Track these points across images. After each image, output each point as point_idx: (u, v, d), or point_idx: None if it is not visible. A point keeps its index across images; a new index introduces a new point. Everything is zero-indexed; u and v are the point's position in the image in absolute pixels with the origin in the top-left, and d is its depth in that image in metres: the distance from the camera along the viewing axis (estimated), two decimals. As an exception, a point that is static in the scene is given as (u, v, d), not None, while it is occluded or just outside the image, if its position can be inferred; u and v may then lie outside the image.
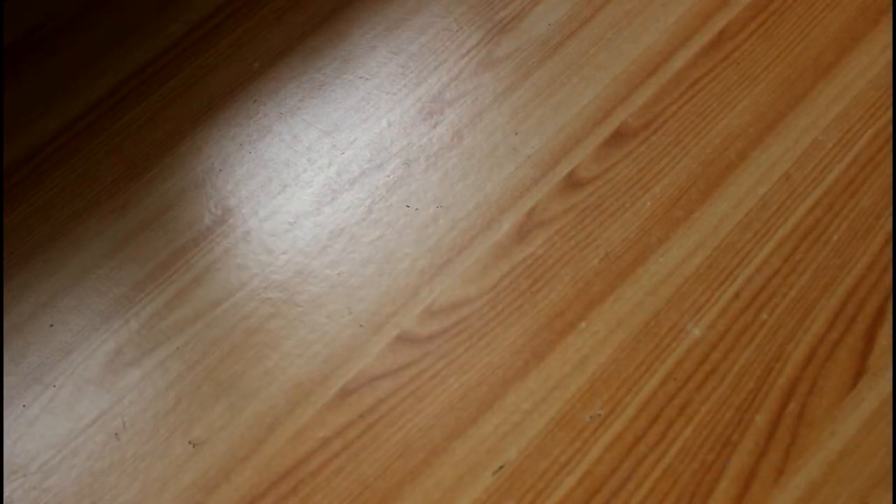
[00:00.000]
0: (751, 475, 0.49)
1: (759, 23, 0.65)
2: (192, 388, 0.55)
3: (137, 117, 0.66)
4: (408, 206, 0.60)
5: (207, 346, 0.56)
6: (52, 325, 0.58)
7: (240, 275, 0.59)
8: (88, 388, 0.55)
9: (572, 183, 0.59)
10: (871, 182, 0.58)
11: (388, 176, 0.61)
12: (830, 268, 0.55)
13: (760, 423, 0.51)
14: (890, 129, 0.60)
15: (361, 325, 0.56)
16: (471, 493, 0.51)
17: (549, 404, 0.52)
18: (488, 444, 0.52)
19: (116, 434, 0.54)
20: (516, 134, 0.61)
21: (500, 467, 0.51)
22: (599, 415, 0.52)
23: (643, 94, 0.63)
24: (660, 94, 0.62)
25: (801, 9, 0.65)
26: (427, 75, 0.66)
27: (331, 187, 0.61)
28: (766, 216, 0.58)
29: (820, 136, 0.60)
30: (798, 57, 0.63)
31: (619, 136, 0.62)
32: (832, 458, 0.49)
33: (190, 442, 0.53)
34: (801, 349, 0.53)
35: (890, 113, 0.60)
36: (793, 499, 0.48)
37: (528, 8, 0.68)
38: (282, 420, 0.53)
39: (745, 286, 0.55)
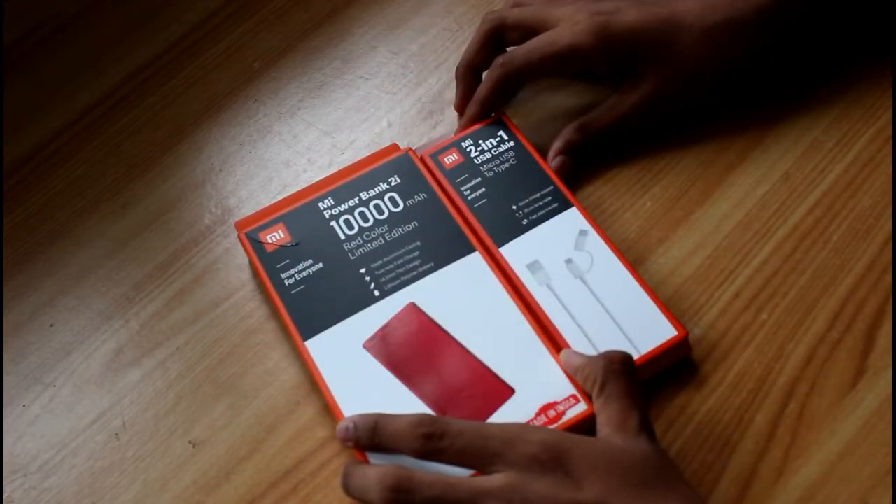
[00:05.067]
0: (751, 475, 0.49)
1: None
2: (192, 388, 0.55)
3: (137, 117, 0.66)
4: (408, 206, 0.60)
5: (207, 346, 0.56)
6: (52, 325, 0.58)
7: (240, 275, 0.59)
8: (88, 388, 0.55)
9: (572, 183, 0.59)
10: (871, 182, 0.58)
11: (388, 176, 0.61)
12: (830, 268, 0.55)
13: (760, 423, 0.51)
14: (890, 128, 0.60)
15: (361, 325, 0.56)
16: (471, 493, 0.51)
17: (549, 404, 0.52)
18: (488, 444, 0.52)
19: (116, 434, 0.54)
20: (516, 134, 0.61)
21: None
22: (599, 415, 0.52)
23: (643, 94, 0.62)
24: (660, 94, 0.62)
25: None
26: (427, 75, 0.66)
27: (331, 187, 0.61)
28: (766, 216, 0.58)
29: (820, 136, 0.60)
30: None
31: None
32: (832, 458, 0.49)
33: (190, 442, 0.53)
34: (801, 349, 0.53)
35: (890, 113, 0.60)
36: (793, 499, 0.48)
37: (528, 8, 0.68)
38: (282, 420, 0.53)
39: (745, 286, 0.55)
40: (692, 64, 0.58)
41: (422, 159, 0.59)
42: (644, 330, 0.51)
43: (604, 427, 0.46)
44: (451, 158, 0.59)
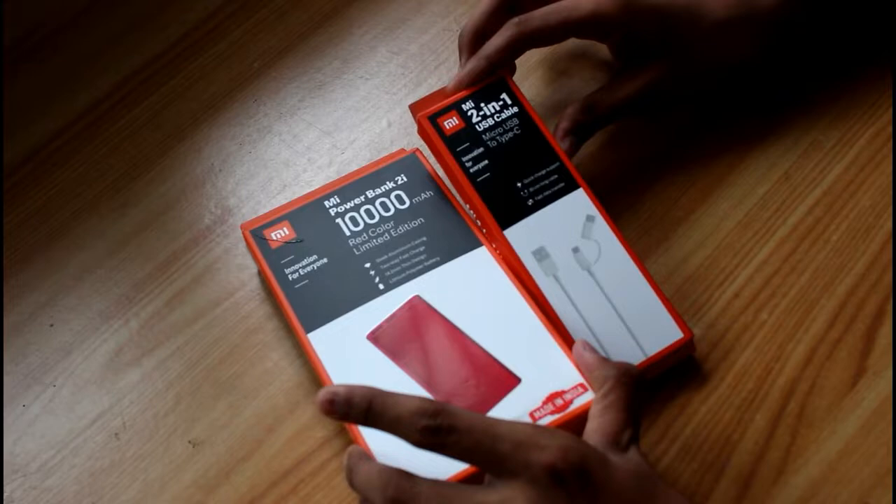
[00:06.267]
0: (751, 475, 0.49)
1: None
2: (192, 388, 0.55)
3: (137, 117, 0.66)
4: (408, 206, 0.60)
5: (207, 346, 0.56)
6: (52, 325, 0.58)
7: (240, 275, 0.59)
8: (88, 388, 0.55)
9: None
10: (871, 182, 0.58)
11: (388, 176, 0.61)
12: (830, 268, 0.55)
13: (760, 422, 0.51)
14: (890, 129, 0.60)
15: (361, 325, 0.56)
16: (471, 492, 0.51)
17: (549, 404, 0.52)
18: (488, 444, 0.52)
19: (116, 434, 0.54)
20: (516, 134, 0.61)
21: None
22: (599, 415, 0.52)
23: (643, 94, 0.62)
24: (660, 93, 0.62)
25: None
26: (427, 75, 0.66)
27: (331, 187, 0.61)
28: (766, 216, 0.58)
29: (820, 136, 0.60)
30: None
31: (618, 135, 0.62)
32: (832, 458, 0.49)
33: (190, 442, 0.53)
34: (801, 349, 0.53)
35: (890, 113, 0.60)
36: (793, 499, 0.48)
37: (528, 8, 0.68)
38: (282, 420, 0.53)
39: (745, 286, 0.55)
40: (698, 63, 0.58)
41: (419, 122, 0.57)
42: (651, 331, 0.51)
43: (593, 434, 0.45)
44: (451, 123, 0.56)
